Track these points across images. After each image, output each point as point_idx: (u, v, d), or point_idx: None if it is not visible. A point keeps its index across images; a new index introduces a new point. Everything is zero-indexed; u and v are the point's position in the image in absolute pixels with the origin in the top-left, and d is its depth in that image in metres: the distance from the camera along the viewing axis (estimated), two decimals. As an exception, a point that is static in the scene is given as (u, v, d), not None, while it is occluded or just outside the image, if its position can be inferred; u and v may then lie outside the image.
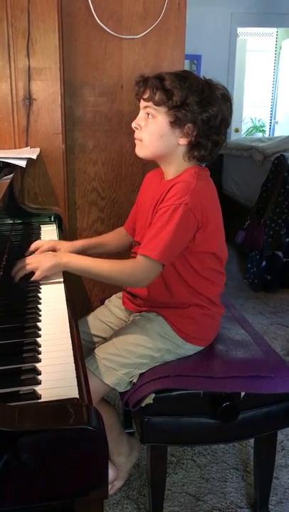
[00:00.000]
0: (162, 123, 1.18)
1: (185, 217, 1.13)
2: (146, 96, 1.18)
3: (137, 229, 1.37)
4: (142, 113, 1.22)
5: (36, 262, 1.18)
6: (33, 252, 1.32)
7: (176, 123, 1.17)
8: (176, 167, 1.24)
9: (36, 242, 1.36)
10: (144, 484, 1.52)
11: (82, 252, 1.37)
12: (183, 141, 1.19)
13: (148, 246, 1.15)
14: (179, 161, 1.23)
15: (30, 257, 1.22)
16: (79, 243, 1.40)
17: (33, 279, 1.17)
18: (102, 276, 1.20)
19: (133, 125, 1.23)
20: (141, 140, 1.23)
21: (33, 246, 1.33)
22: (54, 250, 1.33)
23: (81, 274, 1.21)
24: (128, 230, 1.47)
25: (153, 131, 1.19)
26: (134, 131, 1.25)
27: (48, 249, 1.33)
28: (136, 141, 1.25)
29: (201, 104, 1.15)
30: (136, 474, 1.56)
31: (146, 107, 1.19)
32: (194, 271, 1.24)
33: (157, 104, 1.16)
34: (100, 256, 1.24)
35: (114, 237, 1.49)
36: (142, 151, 1.24)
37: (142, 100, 1.21)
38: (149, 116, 1.19)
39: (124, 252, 1.47)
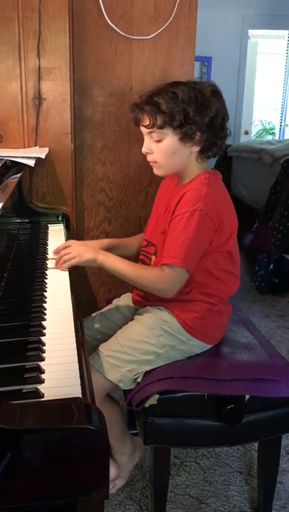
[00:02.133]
0: (172, 142, 1.21)
1: (202, 221, 1.17)
2: (147, 123, 1.21)
3: (148, 228, 1.40)
4: (147, 138, 1.25)
5: (77, 251, 1.26)
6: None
7: (185, 138, 1.20)
8: (189, 170, 1.27)
9: (66, 242, 1.41)
10: (147, 485, 1.51)
11: (107, 250, 1.41)
12: (195, 149, 1.23)
13: (170, 254, 1.18)
14: (193, 164, 1.26)
15: (72, 246, 1.30)
16: (105, 242, 1.46)
17: (67, 265, 1.25)
18: (131, 280, 1.25)
19: (144, 151, 1.26)
20: (156, 162, 1.26)
21: (62, 245, 1.37)
22: None
23: (112, 273, 1.25)
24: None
25: (165, 151, 1.23)
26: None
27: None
28: (151, 164, 1.28)
29: (200, 110, 1.18)
30: (139, 475, 1.56)
31: (150, 132, 1.22)
32: (208, 271, 1.26)
33: (161, 127, 1.20)
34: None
35: (137, 242, 1.51)
36: (161, 171, 1.29)
37: (143, 127, 1.23)
38: (156, 139, 1.22)
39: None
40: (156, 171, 1.29)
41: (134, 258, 1.46)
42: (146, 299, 1.35)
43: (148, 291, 1.30)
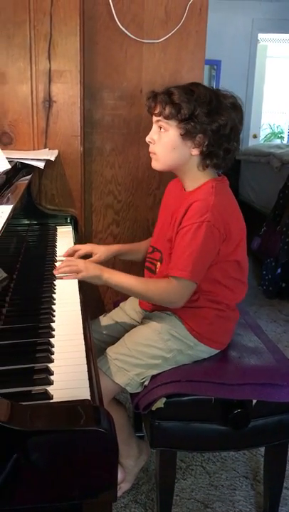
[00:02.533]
0: (174, 136, 1.21)
1: (210, 233, 1.16)
2: (156, 111, 1.22)
3: (154, 234, 1.40)
4: (154, 127, 1.25)
5: (83, 267, 1.23)
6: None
7: (186, 135, 1.19)
8: (192, 177, 1.26)
9: (74, 246, 1.42)
10: (153, 489, 1.51)
11: (116, 256, 1.45)
12: (195, 152, 1.22)
13: (177, 266, 1.18)
14: (194, 171, 1.25)
15: (79, 260, 1.28)
16: (114, 248, 1.46)
17: (72, 277, 1.23)
18: (138, 294, 1.26)
19: (147, 139, 1.27)
20: (155, 153, 1.26)
21: (70, 249, 1.38)
22: (90, 255, 1.39)
23: (118, 290, 1.25)
24: None
25: (166, 144, 1.23)
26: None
27: (86, 253, 1.39)
28: (151, 155, 1.28)
29: (210, 114, 1.18)
30: (144, 478, 1.55)
31: (158, 121, 1.23)
32: (215, 280, 1.25)
33: (167, 118, 1.19)
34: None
35: (145, 247, 1.50)
36: (157, 164, 1.28)
37: (153, 115, 1.24)
38: (162, 129, 1.22)
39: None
40: (154, 164, 1.28)
41: (125, 262, 1.47)
42: (154, 303, 1.35)
43: (157, 303, 1.30)
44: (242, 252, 1.27)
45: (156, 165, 1.28)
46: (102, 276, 1.22)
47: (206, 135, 1.19)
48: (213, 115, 1.18)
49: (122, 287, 1.23)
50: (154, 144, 1.25)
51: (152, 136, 1.25)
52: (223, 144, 1.21)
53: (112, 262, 1.65)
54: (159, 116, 1.21)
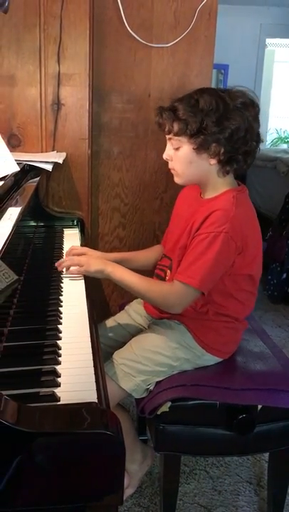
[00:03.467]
0: (188, 151, 1.19)
1: (226, 244, 1.14)
2: (166, 129, 1.21)
3: (168, 242, 1.37)
4: (168, 144, 1.24)
5: (85, 261, 1.25)
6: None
7: (200, 148, 1.18)
8: (212, 185, 1.25)
9: (72, 246, 1.42)
10: (156, 492, 1.51)
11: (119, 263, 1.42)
12: (213, 161, 1.20)
13: (186, 272, 1.15)
14: (214, 178, 1.23)
15: (83, 256, 1.30)
16: (111, 256, 1.42)
17: (75, 271, 1.25)
18: (139, 293, 1.24)
19: (164, 157, 1.26)
20: (174, 169, 1.26)
21: (69, 250, 1.39)
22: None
23: (120, 285, 1.25)
24: (164, 245, 1.46)
25: (182, 160, 1.22)
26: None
27: (81, 253, 1.38)
28: (171, 171, 1.28)
29: (219, 122, 1.15)
30: (148, 482, 1.55)
31: (170, 138, 1.22)
32: (228, 293, 1.23)
33: (177, 134, 1.19)
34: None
35: (148, 255, 1.50)
36: (179, 179, 1.27)
37: (164, 133, 1.24)
38: (175, 146, 1.21)
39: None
40: (176, 180, 1.28)
41: (147, 273, 1.45)
42: (159, 310, 1.34)
43: (155, 305, 1.30)
44: (257, 267, 1.25)
45: (178, 180, 1.28)
46: (105, 270, 1.22)
47: (220, 143, 1.16)
48: (223, 122, 1.15)
49: (123, 283, 1.22)
50: (172, 160, 1.24)
51: (168, 153, 1.24)
52: (240, 147, 1.18)
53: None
54: (170, 134, 1.20)
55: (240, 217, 1.16)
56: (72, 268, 1.28)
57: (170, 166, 1.26)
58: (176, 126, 1.18)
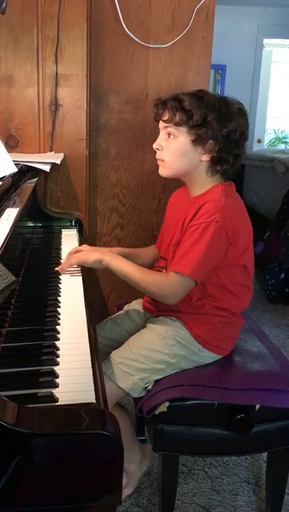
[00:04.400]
0: (184, 142, 1.21)
1: (217, 234, 1.16)
2: (166, 117, 1.22)
3: (163, 244, 1.39)
4: (162, 134, 1.25)
5: (83, 254, 1.27)
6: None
7: (197, 141, 1.19)
8: (200, 183, 1.27)
9: (77, 247, 1.42)
10: (155, 493, 1.51)
11: None
12: (205, 158, 1.22)
13: (180, 262, 1.17)
14: (203, 176, 1.25)
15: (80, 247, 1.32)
16: (116, 250, 1.44)
17: (73, 260, 1.26)
18: (135, 283, 1.24)
19: (154, 146, 1.26)
20: (163, 160, 1.26)
21: (73, 250, 1.39)
22: None
23: (118, 275, 1.25)
24: (158, 248, 1.48)
25: (175, 150, 1.22)
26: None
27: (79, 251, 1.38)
28: (158, 162, 1.28)
29: (220, 120, 1.18)
30: (146, 482, 1.55)
31: (166, 127, 1.22)
32: (222, 286, 1.25)
33: (178, 124, 1.20)
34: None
35: (149, 253, 1.51)
36: (166, 170, 1.27)
37: (161, 122, 1.24)
38: (170, 136, 1.22)
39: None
40: (161, 171, 1.28)
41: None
42: (158, 307, 1.35)
43: (151, 295, 1.30)
44: (249, 257, 1.27)
45: (163, 172, 1.28)
46: (104, 259, 1.23)
47: (217, 141, 1.19)
48: (224, 121, 1.18)
49: (120, 272, 1.23)
50: (162, 150, 1.25)
51: (160, 142, 1.25)
52: (232, 149, 1.21)
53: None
54: (169, 122, 1.21)
55: (230, 208, 1.19)
56: (73, 259, 1.28)
57: (158, 155, 1.26)
58: (178, 116, 1.19)
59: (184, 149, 1.21)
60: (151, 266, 1.47)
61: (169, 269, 1.20)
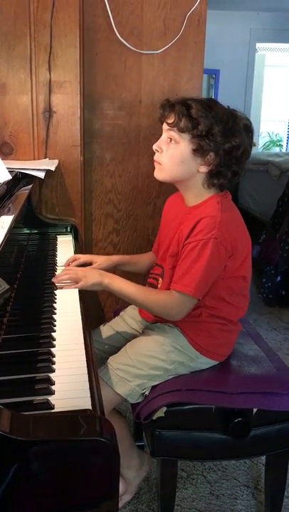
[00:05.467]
0: (184, 149, 1.18)
1: (216, 250, 1.15)
2: (170, 121, 1.19)
3: (160, 252, 1.38)
4: (164, 136, 1.22)
5: (83, 275, 1.23)
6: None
7: (198, 151, 1.17)
8: (195, 193, 1.25)
9: (74, 255, 1.42)
10: (154, 498, 1.51)
11: (116, 266, 1.44)
12: (203, 169, 1.20)
13: (181, 281, 1.16)
14: (198, 187, 1.23)
15: (78, 268, 1.28)
16: (115, 258, 1.45)
17: (72, 287, 1.23)
18: (137, 303, 1.24)
19: (154, 147, 1.24)
20: (160, 163, 1.24)
21: (71, 258, 1.39)
22: (90, 263, 1.39)
23: (118, 296, 1.24)
24: (155, 253, 1.47)
25: (174, 156, 1.20)
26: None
27: (85, 262, 1.39)
28: (155, 164, 1.26)
29: (225, 134, 1.16)
30: (145, 488, 1.55)
31: (169, 130, 1.20)
32: (220, 297, 1.24)
33: (182, 130, 1.17)
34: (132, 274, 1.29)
35: (145, 260, 1.51)
36: (161, 174, 1.25)
37: (165, 123, 1.21)
38: (172, 140, 1.20)
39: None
40: (157, 173, 1.26)
41: (144, 276, 1.47)
42: (155, 315, 1.34)
43: (155, 314, 1.30)
44: (248, 267, 1.26)
45: (159, 175, 1.26)
46: (103, 282, 1.21)
47: (218, 154, 1.17)
48: (229, 136, 1.16)
49: (121, 294, 1.22)
50: (161, 153, 1.23)
51: (160, 144, 1.22)
52: (232, 165, 1.19)
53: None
54: (173, 127, 1.18)
55: (226, 221, 1.17)
56: (67, 284, 1.25)
57: (156, 157, 1.24)
58: (184, 122, 1.16)
59: (183, 157, 1.19)
60: (147, 272, 1.48)
61: (172, 288, 1.19)
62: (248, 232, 1.27)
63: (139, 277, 1.49)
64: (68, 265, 1.37)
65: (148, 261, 1.49)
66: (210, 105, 1.18)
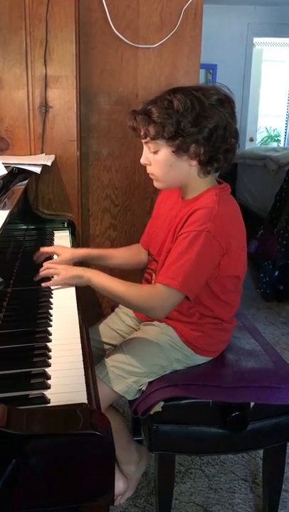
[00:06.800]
0: (166, 154, 1.14)
1: (208, 244, 1.10)
2: (141, 133, 1.16)
3: (153, 244, 1.35)
4: (145, 148, 1.19)
5: (62, 268, 1.22)
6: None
7: (179, 150, 1.13)
8: (192, 185, 1.21)
9: (41, 247, 1.40)
10: (152, 493, 1.51)
11: (84, 261, 1.41)
12: (194, 163, 1.15)
13: (166, 273, 1.11)
14: (195, 179, 1.19)
15: (60, 264, 1.27)
16: (81, 251, 1.42)
17: (51, 283, 1.22)
18: (119, 298, 1.19)
19: (142, 162, 1.21)
20: (154, 174, 1.21)
21: (38, 252, 1.39)
22: (58, 255, 1.38)
23: (101, 291, 1.21)
24: (144, 246, 1.45)
25: (161, 163, 1.17)
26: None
27: (52, 253, 1.39)
28: (150, 176, 1.23)
29: (196, 122, 1.10)
30: (144, 482, 1.55)
31: (146, 142, 1.17)
32: (215, 296, 1.21)
33: (154, 138, 1.13)
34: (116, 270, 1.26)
35: (125, 253, 1.48)
36: (160, 184, 1.23)
37: (140, 138, 1.19)
38: (152, 150, 1.17)
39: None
40: (156, 184, 1.24)
41: (126, 272, 1.43)
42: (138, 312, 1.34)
43: (137, 310, 1.26)
44: (243, 267, 1.23)
45: (158, 185, 1.24)
46: (84, 275, 1.19)
47: (199, 144, 1.12)
48: (201, 121, 1.10)
49: (103, 289, 1.18)
50: (150, 164, 1.20)
51: (146, 156, 1.19)
52: (220, 146, 1.14)
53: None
54: (146, 138, 1.15)
55: (223, 216, 1.13)
56: (51, 282, 1.24)
57: (149, 170, 1.21)
58: (152, 130, 1.12)
59: (168, 161, 1.15)
60: (134, 267, 1.46)
61: (156, 280, 1.15)
62: (244, 229, 1.22)
63: (140, 272, 1.48)
64: (38, 258, 1.38)
65: (128, 255, 1.46)
66: (170, 100, 1.11)
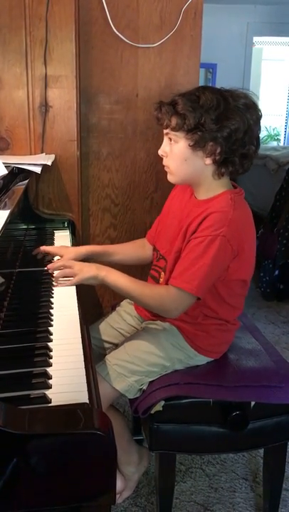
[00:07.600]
0: (183, 147, 1.16)
1: (223, 248, 1.11)
2: (163, 123, 1.18)
3: (160, 240, 1.35)
4: (165, 139, 1.21)
5: (78, 269, 1.22)
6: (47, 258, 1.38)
7: (196, 145, 1.14)
8: (206, 186, 1.21)
9: (43, 247, 1.39)
10: (153, 492, 1.51)
11: (87, 258, 1.40)
12: (209, 161, 1.16)
13: (182, 277, 1.13)
14: (209, 180, 1.20)
15: (72, 262, 1.26)
16: (84, 249, 1.41)
17: (68, 283, 1.21)
18: (133, 297, 1.21)
19: (159, 152, 1.23)
20: (168, 167, 1.22)
21: (40, 249, 1.38)
22: (61, 256, 1.36)
23: (114, 289, 1.21)
24: (150, 241, 1.45)
25: (177, 156, 1.18)
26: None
27: (54, 254, 1.38)
28: (165, 168, 1.24)
29: (218, 120, 1.11)
30: (144, 482, 1.56)
31: (167, 133, 1.19)
32: (221, 299, 1.22)
33: (174, 129, 1.15)
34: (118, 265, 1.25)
35: (129, 248, 1.48)
36: (172, 177, 1.24)
37: (162, 127, 1.21)
38: (172, 141, 1.19)
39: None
40: (169, 178, 1.24)
41: (124, 267, 1.41)
42: (151, 312, 1.33)
43: (150, 310, 1.27)
44: (251, 271, 1.24)
45: (171, 178, 1.24)
46: (99, 275, 1.19)
47: (217, 143, 1.12)
48: (223, 121, 1.11)
49: (117, 287, 1.20)
50: (167, 156, 1.21)
51: (164, 148, 1.21)
52: (238, 149, 1.14)
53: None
54: (167, 128, 1.17)
55: (237, 221, 1.14)
56: (62, 279, 1.24)
57: (164, 162, 1.23)
58: (173, 121, 1.14)
59: (184, 155, 1.16)
60: (138, 262, 1.46)
61: (170, 283, 1.15)
62: (255, 235, 1.23)
63: (141, 269, 1.48)
64: (37, 254, 1.38)
65: (132, 250, 1.46)
66: (198, 95, 1.13)
